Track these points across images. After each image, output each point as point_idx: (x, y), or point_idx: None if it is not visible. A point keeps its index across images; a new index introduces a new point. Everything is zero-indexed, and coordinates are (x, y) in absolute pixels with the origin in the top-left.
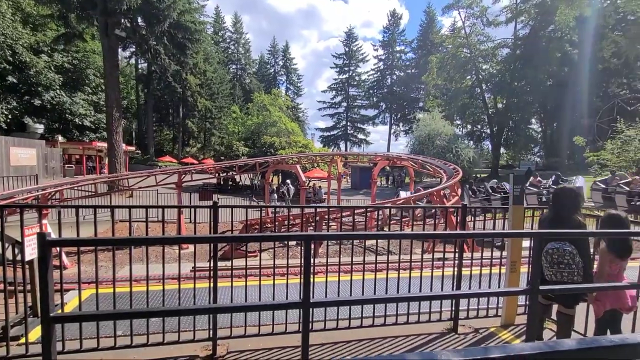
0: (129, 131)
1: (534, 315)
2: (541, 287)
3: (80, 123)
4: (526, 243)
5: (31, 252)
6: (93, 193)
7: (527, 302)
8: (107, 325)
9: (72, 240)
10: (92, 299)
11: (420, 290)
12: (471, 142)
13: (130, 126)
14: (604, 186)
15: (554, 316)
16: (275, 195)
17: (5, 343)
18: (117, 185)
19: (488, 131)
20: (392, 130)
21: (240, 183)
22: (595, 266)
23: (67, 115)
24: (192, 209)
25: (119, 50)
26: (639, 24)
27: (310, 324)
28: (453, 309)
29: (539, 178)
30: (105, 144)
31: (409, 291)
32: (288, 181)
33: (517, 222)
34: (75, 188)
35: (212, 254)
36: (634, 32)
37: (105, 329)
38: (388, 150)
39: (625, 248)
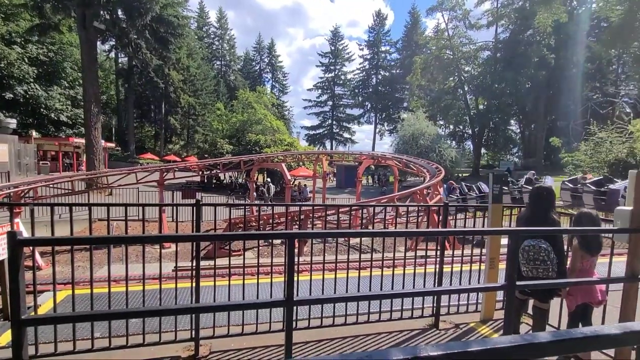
0: (109, 127)
1: (511, 310)
2: (518, 283)
3: (56, 118)
4: (505, 240)
5: (1, 252)
6: (70, 191)
7: (505, 298)
8: (84, 327)
9: (45, 240)
10: (69, 300)
11: (403, 288)
12: (453, 142)
13: (109, 122)
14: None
15: (530, 311)
16: (255, 194)
17: None
18: (96, 183)
19: (470, 132)
20: (377, 130)
21: (225, 181)
22: (568, 262)
23: (41, 110)
24: (174, 208)
25: (98, 43)
26: (612, 28)
27: (295, 322)
28: (434, 305)
29: (587, 175)
30: (83, 140)
31: (392, 288)
32: (269, 179)
33: (495, 220)
34: (51, 185)
35: (194, 253)
36: (606, 38)
37: (83, 331)
38: (373, 149)
39: (596, 245)
